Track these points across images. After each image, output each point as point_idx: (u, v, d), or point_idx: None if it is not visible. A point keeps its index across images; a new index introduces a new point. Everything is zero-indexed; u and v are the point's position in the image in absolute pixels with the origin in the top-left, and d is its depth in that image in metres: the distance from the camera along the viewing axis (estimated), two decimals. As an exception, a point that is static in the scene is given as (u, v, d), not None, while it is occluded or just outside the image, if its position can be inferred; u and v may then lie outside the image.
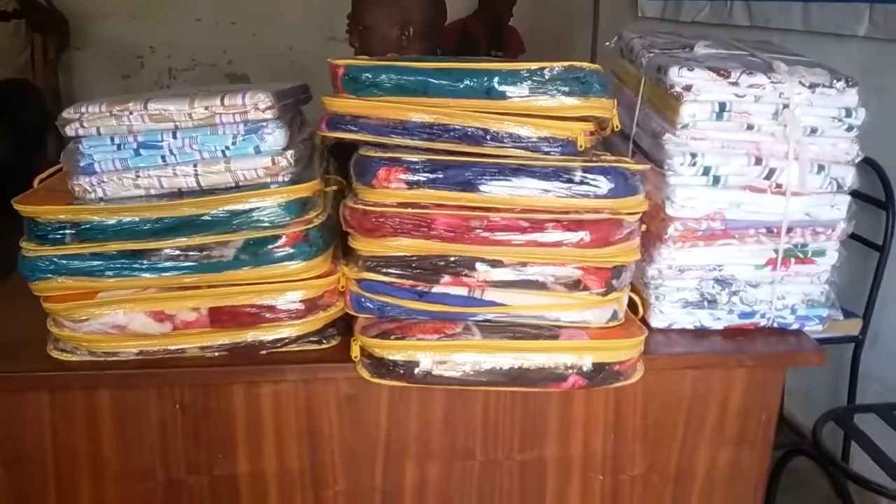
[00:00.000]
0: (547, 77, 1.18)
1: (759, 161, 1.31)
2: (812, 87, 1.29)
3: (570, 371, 1.23)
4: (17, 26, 4.33)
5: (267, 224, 1.20)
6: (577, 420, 1.39)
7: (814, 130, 1.31)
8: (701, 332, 1.40)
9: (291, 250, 1.22)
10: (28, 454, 1.29)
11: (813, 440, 1.83)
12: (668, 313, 1.39)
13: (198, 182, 1.20)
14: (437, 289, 1.24)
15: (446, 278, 1.23)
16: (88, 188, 1.20)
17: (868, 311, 2.28)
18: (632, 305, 1.35)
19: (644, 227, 1.30)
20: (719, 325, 1.40)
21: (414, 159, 1.20)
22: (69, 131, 1.20)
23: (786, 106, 1.29)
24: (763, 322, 1.41)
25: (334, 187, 1.37)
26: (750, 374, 1.39)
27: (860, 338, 2.30)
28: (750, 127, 1.30)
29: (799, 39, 2.60)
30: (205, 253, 1.21)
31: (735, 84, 1.28)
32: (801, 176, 1.31)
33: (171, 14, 5.08)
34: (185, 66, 5.23)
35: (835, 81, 1.30)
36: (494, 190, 1.19)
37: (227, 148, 1.20)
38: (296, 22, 5.10)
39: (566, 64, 1.19)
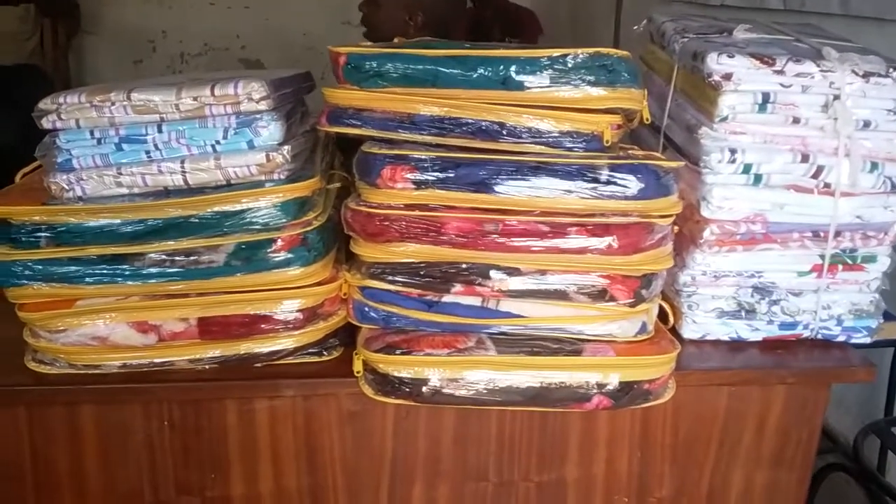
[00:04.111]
0: (570, 65, 1.07)
1: (805, 158, 1.20)
2: (866, 76, 1.17)
3: (595, 391, 1.13)
4: (25, 10, 4.26)
5: (261, 226, 1.11)
6: (600, 438, 1.29)
7: (867, 124, 1.20)
8: (737, 345, 1.29)
9: (288, 255, 1.12)
10: (5, 471, 1.20)
11: (854, 456, 1.72)
12: (701, 323, 1.28)
13: (185, 180, 1.11)
14: (447, 298, 1.14)
15: (458, 287, 1.13)
16: (66, 186, 1.10)
17: (910, 315, 2.15)
18: (662, 314, 1.24)
19: (676, 229, 1.19)
20: (758, 337, 1.29)
21: (422, 157, 1.09)
22: (46, 123, 1.11)
23: (836, 97, 1.17)
24: (806, 333, 1.30)
25: (337, 185, 1.27)
26: (790, 390, 1.28)
27: (901, 342, 2.17)
28: (796, 120, 1.19)
29: (837, 24, 2.46)
30: (193, 258, 1.12)
31: (780, 72, 1.16)
32: (851, 174, 1.19)
33: (184, -2, 5.01)
34: (197, 51, 5.17)
35: (891, 70, 1.18)
36: (511, 190, 1.08)
37: (218, 142, 1.10)
38: (310, 6, 5.01)
39: (591, 50, 1.08)
